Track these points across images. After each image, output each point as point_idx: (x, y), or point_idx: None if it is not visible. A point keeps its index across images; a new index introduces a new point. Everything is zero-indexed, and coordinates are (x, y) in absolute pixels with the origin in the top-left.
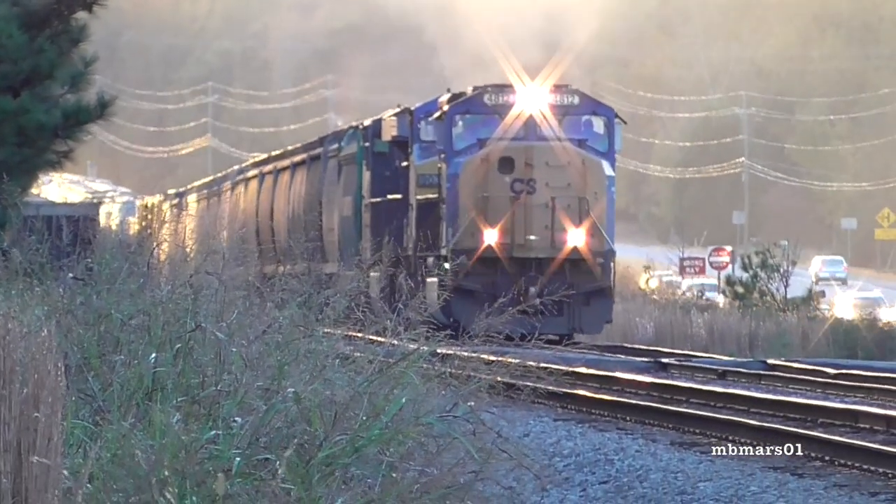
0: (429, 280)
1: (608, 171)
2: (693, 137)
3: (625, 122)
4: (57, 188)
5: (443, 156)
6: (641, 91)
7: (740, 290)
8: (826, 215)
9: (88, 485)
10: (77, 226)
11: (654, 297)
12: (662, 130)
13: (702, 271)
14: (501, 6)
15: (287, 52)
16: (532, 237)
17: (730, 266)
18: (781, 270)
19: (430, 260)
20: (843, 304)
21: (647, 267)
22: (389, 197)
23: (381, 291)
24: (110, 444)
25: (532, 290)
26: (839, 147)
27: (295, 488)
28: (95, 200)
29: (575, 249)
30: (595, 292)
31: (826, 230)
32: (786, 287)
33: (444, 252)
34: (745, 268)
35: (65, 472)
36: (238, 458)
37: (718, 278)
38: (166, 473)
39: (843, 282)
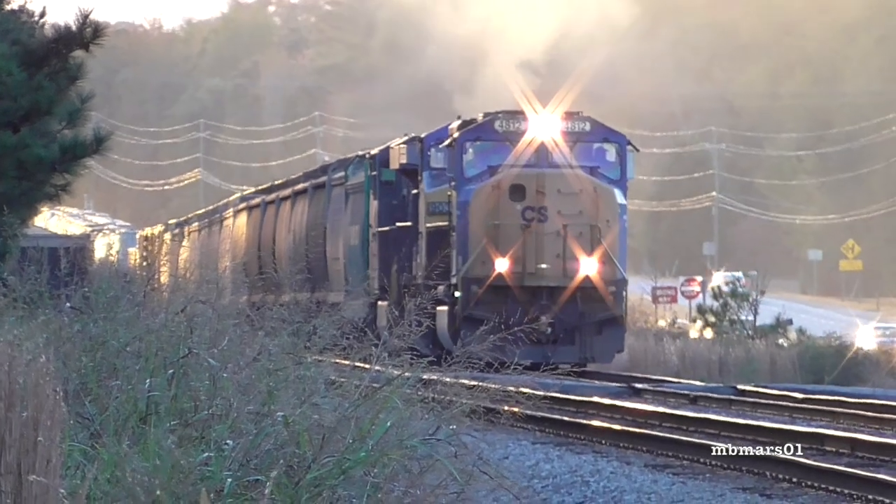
0: (438, 309)
1: (620, 198)
2: (666, 172)
3: (637, 150)
4: (57, 221)
5: (453, 183)
6: (616, 126)
7: (711, 318)
8: (793, 247)
9: None
10: (70, 256)
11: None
12: (636, 165)
13: (674, 300)
14: (511, 34)
15: (276, 89)
16: (543, 266)
17: (700, 295)
18: (750, 300)
19: (441, 288)
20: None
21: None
22: (399, 225)
23: (389, 320)
24: (107, 465)
25: (543, 318)
26: (806, 181)
27: None
28: (92, 231)
29: (587, 278)
30: (607, 321)
31: (793, 261)
32: (755, 315)
33: (454, 280)
34: (715, 297)
35: (63, 492)
36: (229, 480)
37: (689, 307)
38: (160, 494)
39: None
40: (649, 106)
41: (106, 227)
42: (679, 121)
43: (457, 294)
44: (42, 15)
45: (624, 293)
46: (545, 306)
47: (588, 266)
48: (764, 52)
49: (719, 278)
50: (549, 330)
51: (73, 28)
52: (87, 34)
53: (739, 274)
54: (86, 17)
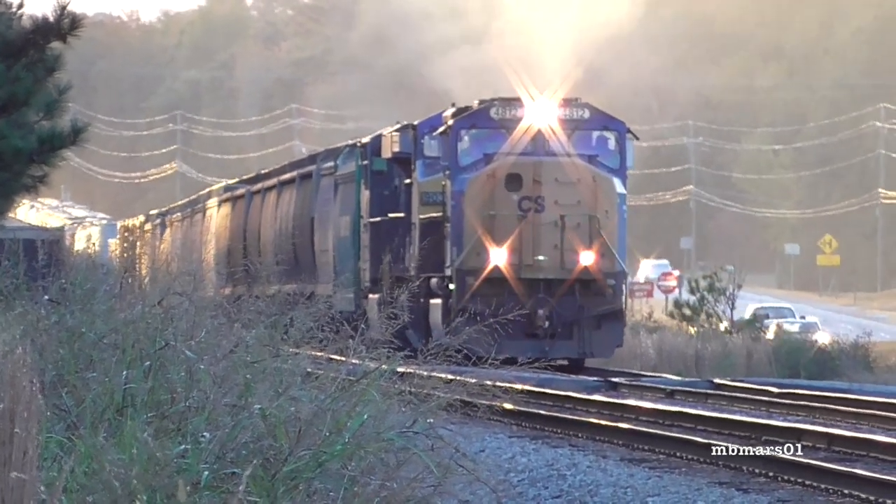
0: (432, 301)
1: (619, 188)
2: (643, 165)
3: (637, 138)
4: (36, 213)
5: (447, 172)
6: None
7: (688, 312)
8: (770, 241)
9: (63, 497)
10: (46, 248)
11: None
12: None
13: (650, 295)
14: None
15: (252, 81)
16: (541, 257)
17: (677, 290)
18: (727, 294)
19: (434, 281)
20: None
21: None
22: (391, 216)
23: (381, 314)
24: (83, 457)
25: (540, 312)
26: (783, 175)
27: (261, 501)
28: (72, 223)
29: (585, 270)
30: (606, 315)
31: (770, 255)
32: (731, 310)
33: (448, 272)
34: (692, 291)
35: (40, 484)
36: (206, 472)
37: (666, 301)
38: (137, 486)
39: None
40: (626, 98)
41: (86, 220)
42: (655, 114)
43: (451, 286)
44: (20, 6)
45: (623, 286)
46: (542, 299)
47: (587, 258)
48: (741, 45)
49: (647, 266)
50: (547, 324)
51: (51, 19)
52: (64, 25)
53: (665, 262)
54: (63, 8)
